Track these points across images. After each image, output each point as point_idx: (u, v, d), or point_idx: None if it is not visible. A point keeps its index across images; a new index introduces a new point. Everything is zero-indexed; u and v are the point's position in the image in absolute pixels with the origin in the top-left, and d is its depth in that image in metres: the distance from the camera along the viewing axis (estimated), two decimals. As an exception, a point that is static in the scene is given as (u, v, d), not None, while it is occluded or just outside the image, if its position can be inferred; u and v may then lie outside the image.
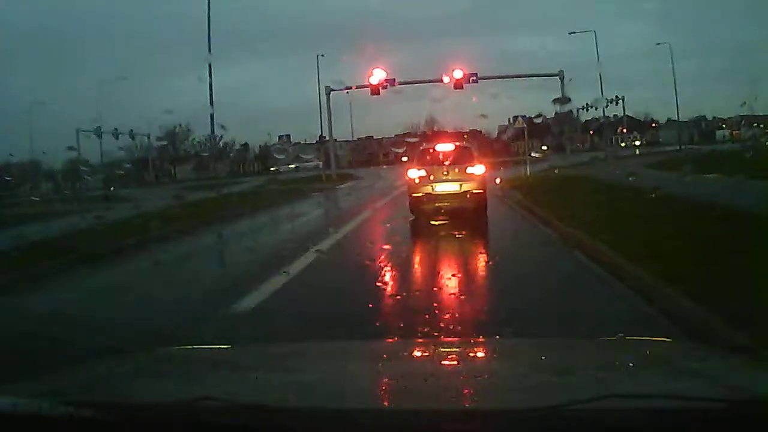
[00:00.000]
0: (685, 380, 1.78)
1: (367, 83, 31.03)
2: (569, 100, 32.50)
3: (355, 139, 69.40)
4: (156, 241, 11.60)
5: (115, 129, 39.36)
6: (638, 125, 65.18)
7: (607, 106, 43.52)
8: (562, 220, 10.60)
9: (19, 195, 37.54)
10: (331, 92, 36.11)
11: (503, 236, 11.02)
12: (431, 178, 12.87)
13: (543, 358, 2.16)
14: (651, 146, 56.28)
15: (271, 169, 56.46)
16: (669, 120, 62.64)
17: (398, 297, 6.40)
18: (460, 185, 12.78)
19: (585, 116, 48.92)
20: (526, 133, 29.31)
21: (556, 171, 24.25)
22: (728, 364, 2.11)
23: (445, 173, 12.92)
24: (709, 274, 5.36)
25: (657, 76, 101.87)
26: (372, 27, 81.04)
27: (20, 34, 69.23)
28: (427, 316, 5.11)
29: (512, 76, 34.79)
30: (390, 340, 4.17)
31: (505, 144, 54.74)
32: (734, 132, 62.76)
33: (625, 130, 57.23)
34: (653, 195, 10.57)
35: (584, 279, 6.89)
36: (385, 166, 43.18)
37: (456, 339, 4.47)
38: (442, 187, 12.83)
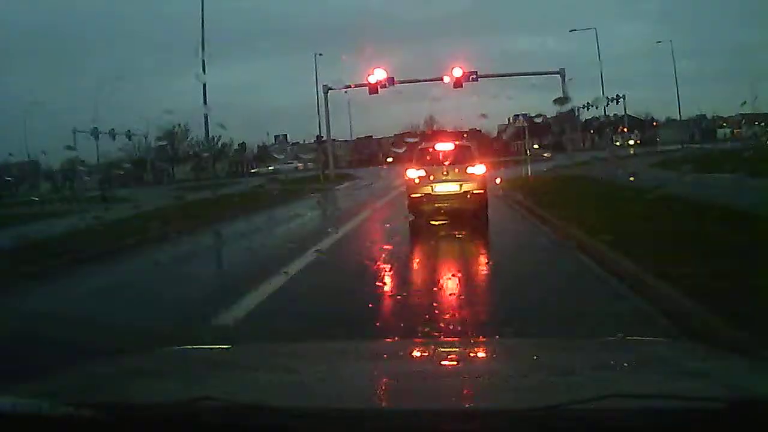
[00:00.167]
0: (685, 380, 1.78)
1: (366, 82, 31.04)
2: (569, 99, 32.57)
3: (354, 139, 69.60)
4: (152, 242, 11.48)
5: (112, 129, 39.58)
6: (639, 124, 65.20)
7: (607, 105, 43.63)
8: (595, 236, 8.45)
9: (19, 195, 37.54)
10: (329, 91, 36.11)
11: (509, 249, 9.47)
12: (431, 178, 12.55)
13: (543, 358, 2.15)
14: (646, 146, 55.66)
15: (252, 171, 56.48)
16: (668, 119, 62.80)
17: (392, 316, 5.76)
18: (461, 185, 12.45)
19: (585, 115, 49.02)
20: (527, 132, 29.32)
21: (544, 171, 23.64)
22: (728, 364, 2.11)
23: (445, 173, 12.59)
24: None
25: (657, 76, 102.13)
26: (372, 27, 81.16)
27: (19, 34, 69.31)
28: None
29: (512, 74, 34.82)
30: (390, 340, 4.17)
31: (504, 143, 54.73)
32: (735, 131, 62.86)
33: (626, 130, 57.25)
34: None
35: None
36: (384, 166, 43.10)
37: (456, 339, 4.47)
38: (441, 188, 12.51)
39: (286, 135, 65.74)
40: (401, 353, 2.51)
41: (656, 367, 1.94)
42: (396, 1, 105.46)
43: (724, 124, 65.92)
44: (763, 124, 56.66)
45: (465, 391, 1.80)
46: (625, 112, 53.72)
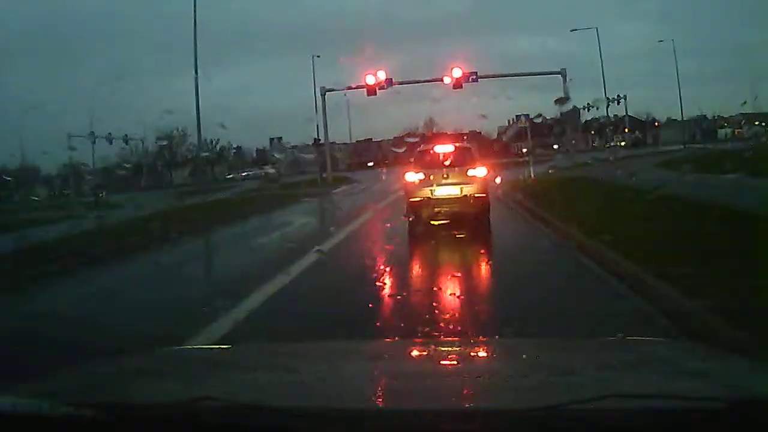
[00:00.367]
0: (685, 380, 1.78)
1: (364, 83, 30.97)
2: (569, 99, 32.58)
3: (353, 141, 69.44)
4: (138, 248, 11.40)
5: (109, 134, 39.47)
6: (640, 125, 65.16)
7: (608, 105, 43.64)
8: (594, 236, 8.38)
9: (16, 198, 37.48)
10: (327, 93, 35.84)
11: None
12: (430, 180, 12.05)
13: (543, 358, 2.15)
14: (637, 147, 54.91)
15: (228, 177, 56.28)
16: (669, 119, 62.77)
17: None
18: (461, 189, 11.93)
19: (585, 116, 49.03)
20: (529, 132, 29.33)
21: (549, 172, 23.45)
22: (728, 364, 2.10)
23: (445, 176, 12.04)
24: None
25: (657, 76, 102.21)
26: (371, 28, 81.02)
27: (18, 35, 69.28)
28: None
29: (512, 75, 34.68)
30: (390, 340, 4.17)
31: (504, 145, 54.75)
32: (736, 131, 62.80)
33: (626, 130, 57.16)
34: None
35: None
36: (384, 169, 43.03)
37: (456, 339, 4.47)
38: (441, 191, 11.98)
39: (281, 138, 65.47)
40: (401, 353, 2.51)
41: (656, 367, 1.93)
42: (395, 1, 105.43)
43: (725, 124, 65.86)
44: (763, 123, 56.63)
45: (465, 391, 1.80)
46: (626, 112, 53.79)
